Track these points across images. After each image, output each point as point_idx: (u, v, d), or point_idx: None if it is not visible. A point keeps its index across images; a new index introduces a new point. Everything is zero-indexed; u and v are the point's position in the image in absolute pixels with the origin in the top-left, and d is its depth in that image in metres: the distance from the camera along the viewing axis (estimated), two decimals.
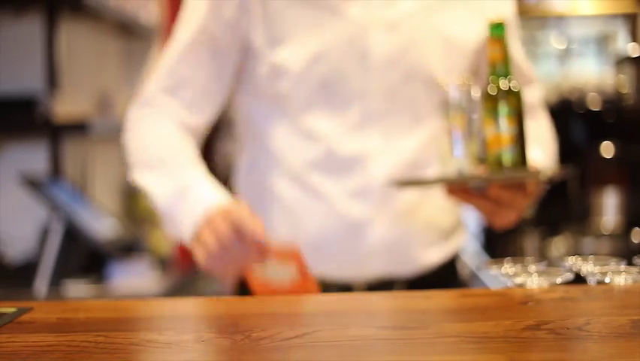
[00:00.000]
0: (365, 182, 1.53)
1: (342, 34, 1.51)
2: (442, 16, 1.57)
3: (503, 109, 1.41)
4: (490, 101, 1.42)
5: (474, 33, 1.58)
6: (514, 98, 1.42)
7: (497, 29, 1.42)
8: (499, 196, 1.42)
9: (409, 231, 1.56)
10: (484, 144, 1.43)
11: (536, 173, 1.45)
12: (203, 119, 1.60)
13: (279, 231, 1.57)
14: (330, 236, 1.54)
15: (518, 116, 1.42)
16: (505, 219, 1.48)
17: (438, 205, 1.58)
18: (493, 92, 1.42)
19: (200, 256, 1.39)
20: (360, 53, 1.52)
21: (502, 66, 1.43)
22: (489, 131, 1.41)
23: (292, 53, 1.52)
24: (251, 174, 1.64)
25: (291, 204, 1.57)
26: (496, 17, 1.43)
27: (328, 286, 1.51)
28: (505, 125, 1.40)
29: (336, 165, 1.54)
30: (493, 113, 1.41)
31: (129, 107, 1.61)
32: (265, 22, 1.53)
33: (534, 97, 1.72)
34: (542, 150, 1.64)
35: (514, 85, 1.42)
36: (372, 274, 1.54)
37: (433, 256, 1.60)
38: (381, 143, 1.53)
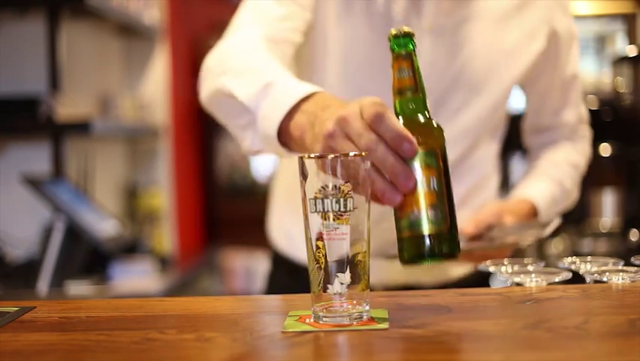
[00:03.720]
0: None
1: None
2: (500, 30, 1.55)
3: (418, 155, 0.99)
4: None
5: (533, 48, 1.58)
6: (433, 138, 1.01)
7: (404, 42, 1.03)
8: None
9: None
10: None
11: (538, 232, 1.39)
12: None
13: (278, 239, 1.63)
14: None
15: (439, 166, 1.00)
16: None
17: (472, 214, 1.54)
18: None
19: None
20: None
21: (412, 92, 1.03)
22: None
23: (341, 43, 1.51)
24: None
25: (286, 218, 1.62)
26: (400, 27, 1.04)
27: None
28: (420, 178, 0.99)
29: None
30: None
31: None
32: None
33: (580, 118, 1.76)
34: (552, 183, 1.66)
35: (427, 119, 1.03)
36: (394, 283, 1.55)
37: (457, 270, 1.60)
38: None
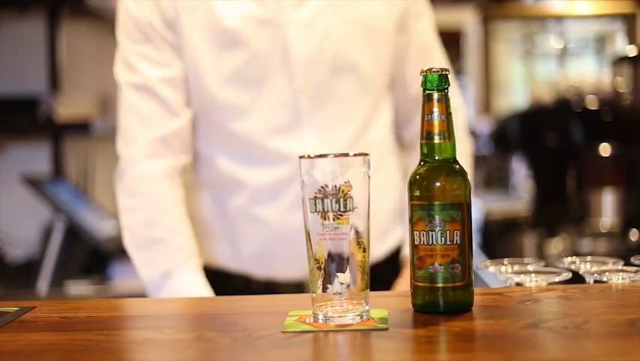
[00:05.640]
0: None
1: (260, 40, 1.49)
2: (357, 2, 1.55)
3: (444, 208, 0.96)
4: (425, 193, 0.97)
5: (392, 11, 1.57)
6: (460, 190, 0.97)
7: (437, 81, 0.97)
8: None
9: None
10: (412, 252, 0.99)
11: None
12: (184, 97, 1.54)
13: (221, 248, 1.59)
14: (273, 246, 1.54)
15: (464, 219, 0.96)
16: None
17: (373, 197, 1.56)
18: (429, 177, 0.97)
19: None
20: (281, 55, 1.50)
21: (442, 138, 0.98)
22: (419, 239, 0.97)
23: (209, 72, 1.50)
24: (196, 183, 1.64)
25: (226, 220, 1.58)
26: (434, 67, 1.00)
27: (280, 286, 1.53)
28: (442, 232, 0.95)
29: (270, 164, 1.52)
30: (427, 211, 0.96)
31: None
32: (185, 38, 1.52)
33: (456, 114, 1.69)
34: None
35: (456, 169, 0.98)
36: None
37: (376, 250, 1.58)
38: (314, 140, 1.52)
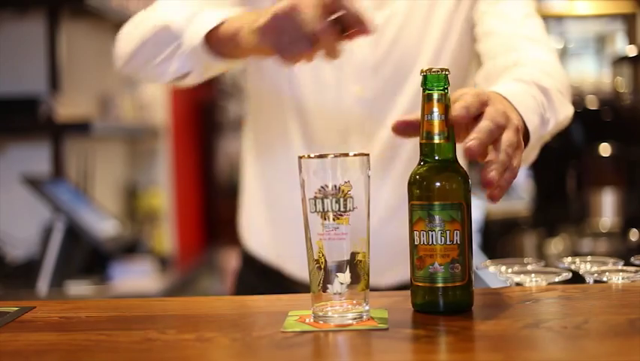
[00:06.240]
0: None
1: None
2: (434, 13, 1.48)
3: (443, 208, 0.96)
4: (424, 193, 0.97)
5: (461, 9, 1.49)
6: (460, 190, 0.97)
7: (437, 81, 0.97)
8: None
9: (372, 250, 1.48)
10: (411, 252, 0.99)
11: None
12: None
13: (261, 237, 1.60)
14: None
15: (463, 220, 0.96)
16: None
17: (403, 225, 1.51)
18: (429, 177, 0.97)
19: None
20: (343, 57, 1.47)
21: (442, 138, 0.98)
22: (419, 239, 0.97)
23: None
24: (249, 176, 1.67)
25: (254, 218, 1.61)
26: (433, 67, 0.99)
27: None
28: (442, 232, 0.96)
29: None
30: (427, 211, 0.96)
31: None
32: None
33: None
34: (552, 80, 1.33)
35: (455, 170, 0.98)
36: None
37: (406, 273, 1.53)
38: (359, 150, 1.44)
